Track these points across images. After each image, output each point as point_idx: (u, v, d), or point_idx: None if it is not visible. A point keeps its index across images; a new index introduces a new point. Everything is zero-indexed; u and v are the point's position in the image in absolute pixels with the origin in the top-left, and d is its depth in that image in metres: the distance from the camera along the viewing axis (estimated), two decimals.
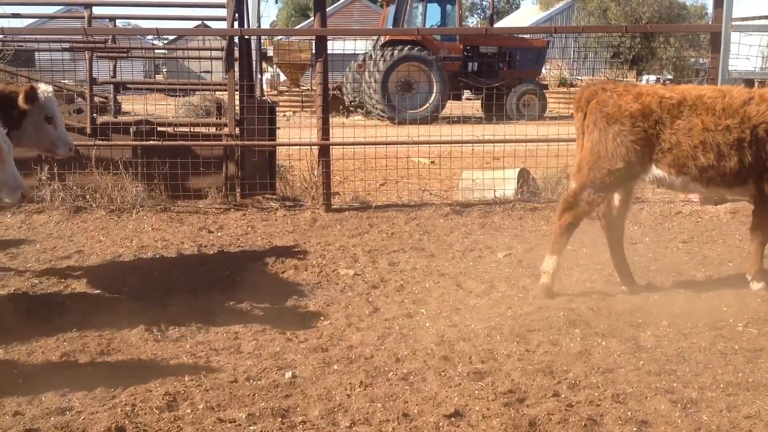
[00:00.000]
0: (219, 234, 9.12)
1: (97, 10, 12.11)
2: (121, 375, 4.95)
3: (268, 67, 32.38)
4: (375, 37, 25.29)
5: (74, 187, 9.98)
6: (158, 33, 11.85)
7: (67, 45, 11.15)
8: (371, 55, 24.46)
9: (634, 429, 4.23)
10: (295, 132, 13.39)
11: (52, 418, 4.32)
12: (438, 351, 5.41)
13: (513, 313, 6.21)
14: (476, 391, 4.70)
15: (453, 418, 4.34)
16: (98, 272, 7.33)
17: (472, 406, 4.50)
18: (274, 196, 10.62)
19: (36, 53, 15.16)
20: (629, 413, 4.40)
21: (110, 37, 11.91)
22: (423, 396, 4.66)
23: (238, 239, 8.86)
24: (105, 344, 5.48)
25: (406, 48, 23.69)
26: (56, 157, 7.75)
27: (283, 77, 32.64)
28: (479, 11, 71.22)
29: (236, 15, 10.87)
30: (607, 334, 5.71)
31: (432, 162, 14.07)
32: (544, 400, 4.57)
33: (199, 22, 27.23)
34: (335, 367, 5.16)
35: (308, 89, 25.82)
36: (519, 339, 5.63)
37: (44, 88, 6.56)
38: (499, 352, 5.38)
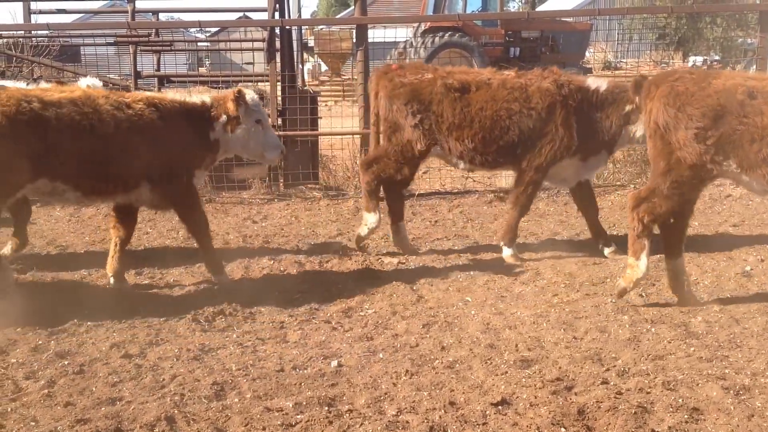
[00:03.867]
0: (263, 224, 9.18)
1: (139, 4, 12.25)
2: (170, 365, 5.01)
3: (309, 57, 32.44)
4: (415, 25, 25.15)
5: None
6: (201, 25, 11.95)
7: (111, 39, 11.29)
8: (412, 42, 24.32)
9: (686, 416, 4.15)
10: (337, 121, 13.38)
11: (103, 408, 4.37)
12: (484, 339, 5.37)
13: (559, 300, 6.15)
14: (523, 379, 4.65)
15: (500, 407, 4.30)
16: (147, 263, 7.42)
17: (520, 394, 4.45)
18: (316, 186, 10.66)
19: (82, 48, 15.41)
20: (680, 400, 4.31)
21: (153, 30, 12.03)
22: (469, 384, 4.63)
23: (282, 229, 8.91)
24: (153, 334, 5.54)
25: (447, 35, 23.48)
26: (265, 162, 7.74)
27: (324, 67, 32.65)
28: None
29: (277, 6, 10.90)
30: (657, 320, 5.62)
31: None
32: (593, 388, 4.51)
33: (241, 14, 27.37)
34: (381, 355, 5.14)
35: (349, 78, 25.78)
36: (566, 326, 5.56)
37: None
38: (546, 340, 5.32)
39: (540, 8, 44.32)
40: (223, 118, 6.62)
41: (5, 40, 12.33)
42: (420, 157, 7.56)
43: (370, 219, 7.63)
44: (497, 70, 7.71)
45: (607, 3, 46.86)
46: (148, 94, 6.79)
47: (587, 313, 5.81)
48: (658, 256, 7.17)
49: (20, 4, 13.90)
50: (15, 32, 12.75)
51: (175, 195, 6.56)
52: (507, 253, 7.35)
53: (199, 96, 6.82)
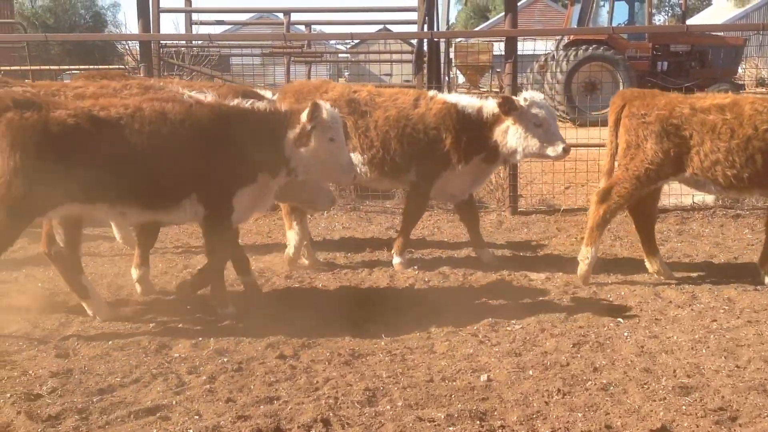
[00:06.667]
0: None
1: (293, 17, 12.65)
2: (322, 368, 5.12)
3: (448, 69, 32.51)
4: (558, 37, 24.77)
5: None
6: (352, 37, 12.19)
7: (266, 50, 11.73)
8: (554, 55, 23.96)
9: None
10: None
11: (262, 407, 4.51)
12: (638, 362, 5.20)
13: (719, 325, 5.88)
14: (683, 407, 4.47)
15: None
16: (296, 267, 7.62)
17: (680, 422, 4.28)
18: None
19: (231, 58, 16.06)
20: None
21: (306, 42, 12.40)
22: (625, 408, 4.49)
23: (425, 240, 8.95)
24: (305, 337, 5.67)
25: (592, 48, 22.98)
26: None
27: (461, 79, 32.65)
28: (667, 8, 68.06)
29: (426, 18, 11.00)
30: None
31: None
32: (759, 420, 4.29)
33: (381, 26, 27.76)
34: (530, 372, 5.07)
35: (487, 91, 25.65)
36: (727, 354, 5.31)
37: None
38: (706, 367, 5.09)
39: (689, 23, 42.62)
40: None
41: (168, 49, 13.02)
42: None
43: None
44: None
45: (761, 18, 44.61)
46: None
47: (749, 341, 5.52)
48: None
49: (182, 14, 14.67)
50: (177, 42, 13.48)
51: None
52: None
53: None
